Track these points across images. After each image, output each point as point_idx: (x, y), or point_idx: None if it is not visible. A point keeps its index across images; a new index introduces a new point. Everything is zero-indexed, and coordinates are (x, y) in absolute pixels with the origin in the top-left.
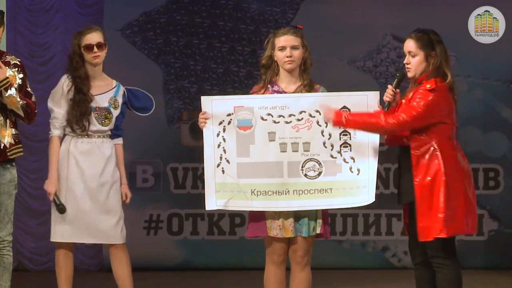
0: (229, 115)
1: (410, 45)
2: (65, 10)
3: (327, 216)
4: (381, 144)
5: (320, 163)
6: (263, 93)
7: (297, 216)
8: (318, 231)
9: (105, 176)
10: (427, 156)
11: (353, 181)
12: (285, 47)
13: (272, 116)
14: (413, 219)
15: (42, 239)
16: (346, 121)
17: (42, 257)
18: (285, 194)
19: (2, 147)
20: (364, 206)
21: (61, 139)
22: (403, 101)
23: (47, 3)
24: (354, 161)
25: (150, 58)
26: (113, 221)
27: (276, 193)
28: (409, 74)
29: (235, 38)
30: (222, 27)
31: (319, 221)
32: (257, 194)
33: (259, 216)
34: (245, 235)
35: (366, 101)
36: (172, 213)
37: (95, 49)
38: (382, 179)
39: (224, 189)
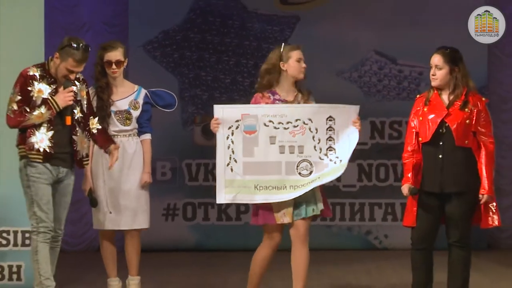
0: (237, 121)
1: (436, 59)
2: (94, 29)
3: (326, 198)
4: (363, 143)
5: (311, 164)
6: (262, 97)
7: (297, 203)
8: (319, 211)
9: (133, 169)
10: None
11: (335, 168)
12: (302, 59)
13: (273, 123)
14: (442, 207)
15: None
16: (489, 186)
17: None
18: (283, 189)
19: (80, 158)
20: (350, 196)
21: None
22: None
23: (78, 23)
24: (338, 158)
25: (168, 70)
26: (141, 209)
27: (275, 188)
28: (434, 83)
29: (240, 53)
30: (229, 43)
31: (320, 204)
32: (259, 189)
33: (267, 207)
34: (254, 223)
35: (347, 113)
36: (187, 202)
37: (114, 66)
38: (365, 173)
39: (232, 185)
